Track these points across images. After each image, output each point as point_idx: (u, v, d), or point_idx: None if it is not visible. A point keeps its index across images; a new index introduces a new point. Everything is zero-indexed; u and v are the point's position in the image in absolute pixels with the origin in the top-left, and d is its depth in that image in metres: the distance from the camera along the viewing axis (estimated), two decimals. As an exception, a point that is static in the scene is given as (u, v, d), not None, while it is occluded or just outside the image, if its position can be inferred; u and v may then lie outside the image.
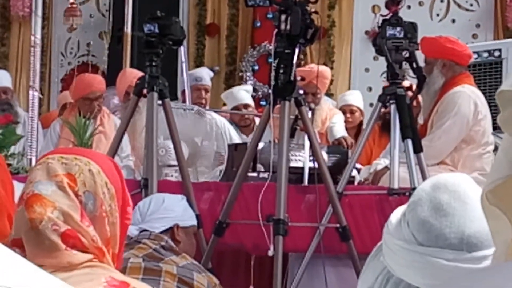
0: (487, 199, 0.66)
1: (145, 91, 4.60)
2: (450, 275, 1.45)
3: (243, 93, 7.02)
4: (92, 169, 1.81)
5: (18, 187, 2.77)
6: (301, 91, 4.40)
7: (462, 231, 1.50)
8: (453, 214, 1.51)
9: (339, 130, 6.33)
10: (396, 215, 1.58)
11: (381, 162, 5.16)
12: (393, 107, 4.50)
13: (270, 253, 4.02)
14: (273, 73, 4.23)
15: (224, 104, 8.95)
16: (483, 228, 1.47)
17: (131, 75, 5.89)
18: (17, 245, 1.76)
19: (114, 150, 4.75)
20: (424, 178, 4.21)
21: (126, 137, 5.39)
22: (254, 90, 8.47)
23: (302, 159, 4.72)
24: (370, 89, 9.28)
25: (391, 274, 1.55)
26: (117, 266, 1.85)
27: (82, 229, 1.75)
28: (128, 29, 7.71)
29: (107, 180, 1.82)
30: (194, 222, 3.64)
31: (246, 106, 6.88)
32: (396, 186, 4.44)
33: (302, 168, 4.69)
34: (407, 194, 4.20)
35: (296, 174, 4.65)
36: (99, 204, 1.79)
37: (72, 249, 1.74)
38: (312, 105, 5.91)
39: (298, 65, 4.38)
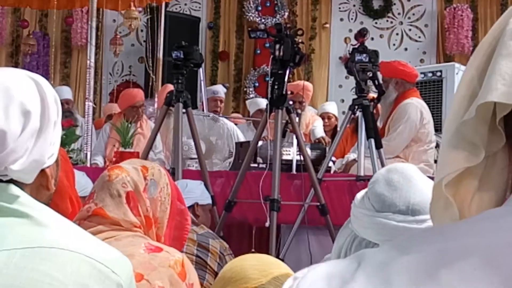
0: (442, 187, 0.61)
1: (173, 102, 4.61)
2: (399, 233, 1.47)
3: (263, 101, 6.99)
4: (161, 171, 1.91)
5: (77, 175, 2.80)
6: (290, 102, 4.41)
7: (408, 201, 1.52)
8: (401, 188, 1.53)
9: (319, 132, 6.34)
10: (360, 193, 1.61)
11: (351, 156, 5.16)
12: (360, 114, 4.49)
13: (267, 224, 4.01)
14: (269, 89, 4.23)
15: (234, 112, 8.99)
16: (423, 199, 1.51)
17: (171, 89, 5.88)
18: (90, 197, 1.85)
19: (149, 147, 4.75)
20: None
21: (158, 137, 5.39)
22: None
23: (291, 153, 4.73)
24: (342, 100, 9.29)
25: (356, 235, 1.57)
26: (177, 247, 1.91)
27: (141, 197, 1.83)
28: (160, 55, 7.73)
29: (168, 182, 1.91)
30: (209, 201, 3.66)
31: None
32: (362, 174, 4.44)
33: (291, 160, 4.69)
34: (370, 180, 4.19)
35: (286, 165, 4.65)
36: (158, 191, 1.87)
37: (129, 209, 1.82)
38: (299, 111, 5.91)
39: (288, 82, 4.37)
